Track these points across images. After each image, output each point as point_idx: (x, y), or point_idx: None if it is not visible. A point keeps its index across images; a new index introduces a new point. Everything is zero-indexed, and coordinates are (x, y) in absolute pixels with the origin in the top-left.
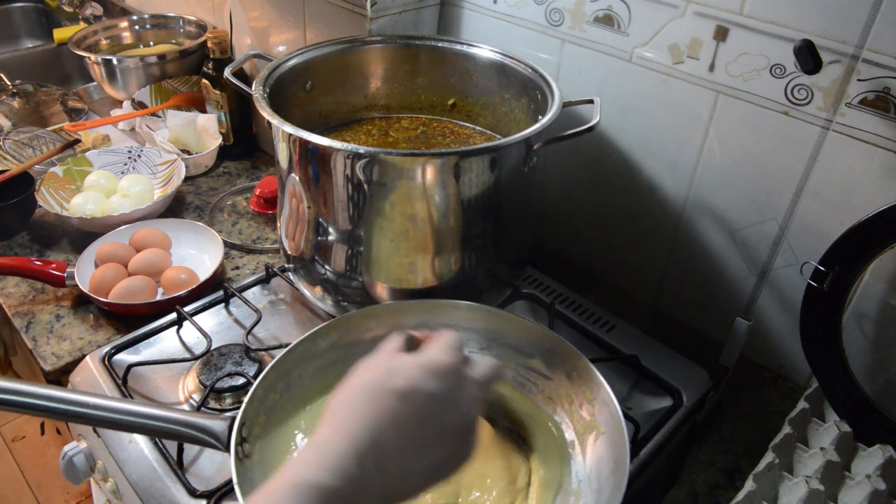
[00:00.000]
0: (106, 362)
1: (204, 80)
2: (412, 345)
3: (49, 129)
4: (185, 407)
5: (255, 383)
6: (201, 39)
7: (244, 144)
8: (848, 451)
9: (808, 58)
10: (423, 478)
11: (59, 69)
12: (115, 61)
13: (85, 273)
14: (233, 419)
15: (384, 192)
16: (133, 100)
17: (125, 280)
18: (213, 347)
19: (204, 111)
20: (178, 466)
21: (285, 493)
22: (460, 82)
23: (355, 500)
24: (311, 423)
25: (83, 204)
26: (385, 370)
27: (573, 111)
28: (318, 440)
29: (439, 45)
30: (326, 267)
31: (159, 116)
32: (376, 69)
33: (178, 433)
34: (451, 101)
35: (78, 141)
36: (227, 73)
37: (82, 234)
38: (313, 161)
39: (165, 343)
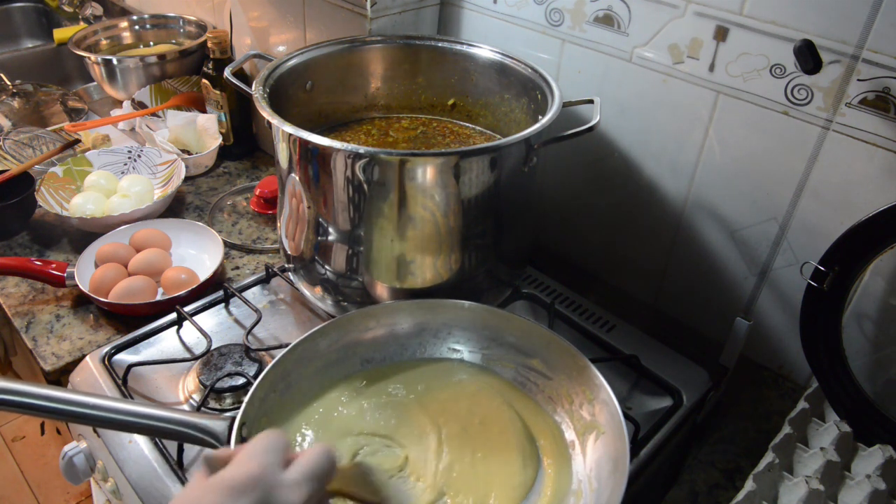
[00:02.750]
0: (106, 362)
1: (204, 80)
2: (217, 465)
3: (49, 129)
4: (185, 407)
5: (255, 383)
6: (201, 39)
7: (244, 144)
8: (848, 451)
9: (808, 58)
10: None
11: (59, 69)
12: (115, 61)
13: (85, 273)
14: (233, 419)
15: (384, 192)
16: (133, 100)
17: (125, 280)
18: (213, 347)
19: (204, 111)
20: (178, 466)
21: None
22: (460, 82)
23: None
24: (311, 424)
25: (83, 204)
26: None
27: (573, 111)
28: None
29: (439, 45)
30: (326, 267)
31: (159, 116)
32: (376, 69)
33: (178, 433)
34: (451, 101)
35: (78, 141)
36: (227, 73)
37: (82, 234)
38: (313, 161)
39: (165, 343)
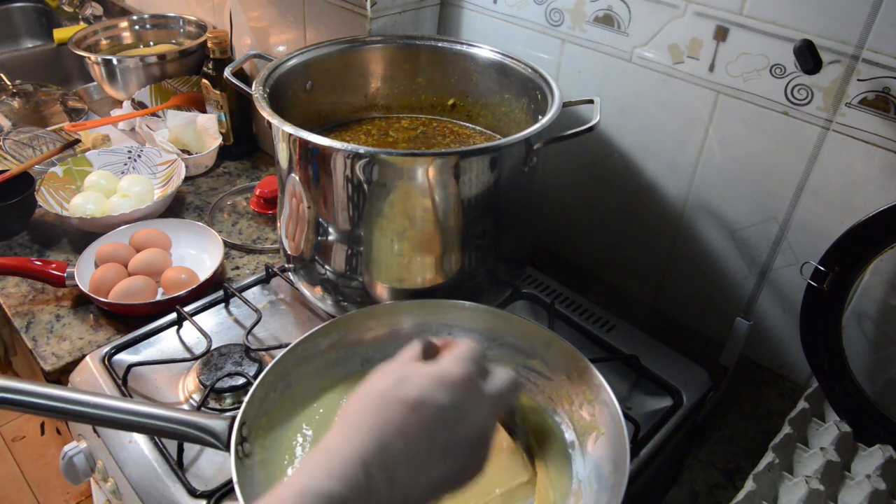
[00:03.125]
0: (106, 362)
1: (204, 80)
2: (431, 352)
3: (49, 129)
4: (185, 407)
5: (255, 383)
6: (201, 39)
7: (244, 144)
8: (848, 451)
9: (808, 58)
10: (432, 489)
11: (59, 69)
12: (115, 61)
13: (85, 273)
14: (233, 419)
15: (384, 192)
16: (133, 100)
17: (125, 280)
18: (213, 347)
19: (204, 111)
20: (178, 466)
21: (290, 501)
22: (460, 82)
23: None
24: (311, 423)
25: (83, 204)
26: (397, 378)
27: (573, 111)
28: (326, 446)
29: (439, 45)
30: (326, 267)
31: (159, 116)
32: (376, 69)
33: (178, 432)
34: (451, 101)
35: (78, 141)
36: (227, 73)
37: (82, 234)
38: (313, 161)
39: (165, 343)
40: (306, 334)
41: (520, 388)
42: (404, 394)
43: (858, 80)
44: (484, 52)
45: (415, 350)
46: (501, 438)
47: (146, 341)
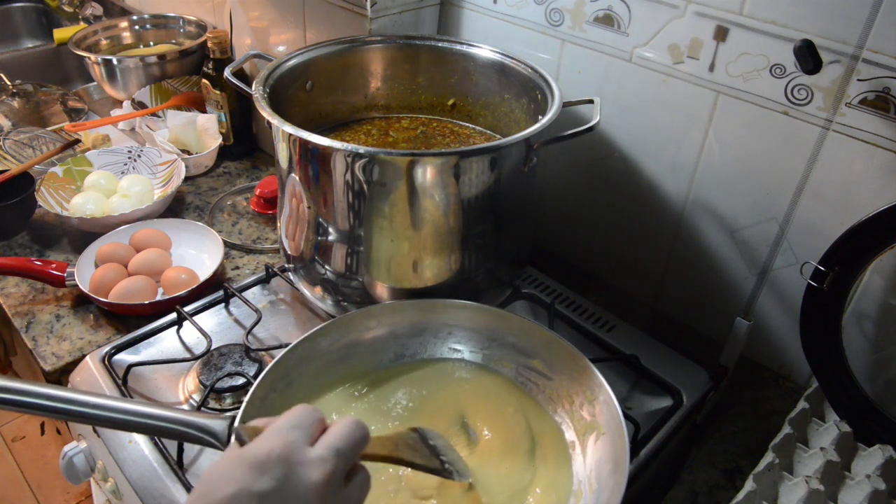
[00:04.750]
0: (106, 362)
1: (204, 80)
2: (244, 437)
3: (49, 129)
4: (185, 407)
5: (255, 383)
6: (201, 39)
7: (244, 144)
8: (848, 451)
9: (808, 58)
10: None
11: (59, 69)
12: (115, 61)
13: (85, 273)
14: (233, 419)
15: (384, 192)
16: (133, 100)
17: (125, 280)
18: (213, 347)
19: (204, 111)
20: (178, 466)
21: None
22: (460, 82)
23: None
24: None
25: (83, 204)
26: (212, 479)
27: (573, 111)
28: None
29: (439, 45)
30: (326, 267)
31: (159, 116)
32: (376, 69)
33: (178, 432)
34: (451, 101)
35: (78, 141)
36: (227, 73)
37: (82, 234)
38: (313, 161)
39: (165, 343)
40: (306, 334)
41: (362, 428)
42: (219, 494)
43: (858, 80)
44: (484, 52)
45: (234, 444)
46: (503, 439)
47: (146, 341)
